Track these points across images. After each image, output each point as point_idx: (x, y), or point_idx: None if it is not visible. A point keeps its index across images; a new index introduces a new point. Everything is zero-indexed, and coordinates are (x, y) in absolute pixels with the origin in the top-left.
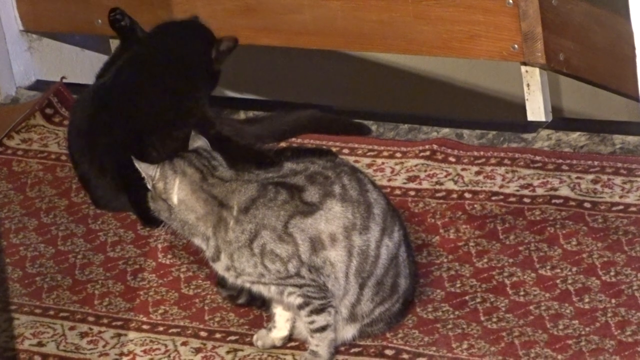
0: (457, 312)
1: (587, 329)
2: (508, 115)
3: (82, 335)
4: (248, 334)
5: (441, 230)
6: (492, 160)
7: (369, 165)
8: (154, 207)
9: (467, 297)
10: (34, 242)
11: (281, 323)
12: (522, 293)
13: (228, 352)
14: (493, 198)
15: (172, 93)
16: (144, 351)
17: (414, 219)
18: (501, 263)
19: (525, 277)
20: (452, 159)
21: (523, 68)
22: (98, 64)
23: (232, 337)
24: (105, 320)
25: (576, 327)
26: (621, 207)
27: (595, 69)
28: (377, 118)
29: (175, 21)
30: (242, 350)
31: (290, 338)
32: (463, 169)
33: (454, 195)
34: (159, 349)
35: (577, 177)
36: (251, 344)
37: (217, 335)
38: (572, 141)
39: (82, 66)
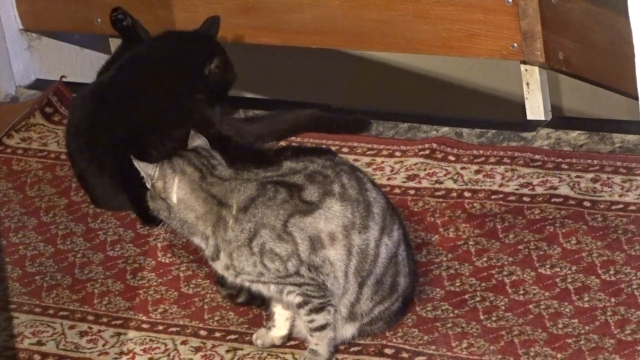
0: (456, 311)
1: (587, 327)
2: (508, 114)
3: (82, 334)
4: (248, 333)
5: (441, 229)
6: (492, 159)
7: (369, 164)
8: (153, 206)
9: (466, 296)
10: (33, 241)
11: (281, 322)
12: (521, 292)
13: (228, 351)
14: (492, 197)
15: (172, 93)
16: (144, 350)
17: (413, 217)
18: (501, 262)
19: (524, 276)
20: (451, 158)
21: (522, 67)
22: (98, 63)
23: (232, 336)
24: (104, 319)
25: (576, 325)
26: (620, 205)
27: (595, 68)
28: (377, 117)
29: (182, 31)
30: (241, 349)
31: (289, 337)
32: (462, 168)
33: (454, 194)
34: (158, 348)
35: (577, 176)
36: (251, 342)
37: (217, 334)
38: (571, 140)
39: (82, 65)
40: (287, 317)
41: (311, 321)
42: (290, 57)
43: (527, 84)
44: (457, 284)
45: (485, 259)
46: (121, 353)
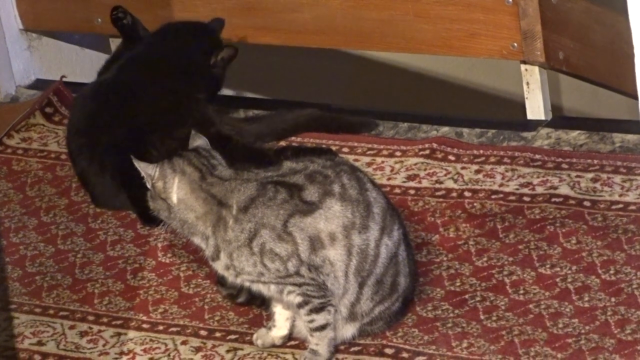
0: (456, 311)
1: (587, 327)
2: (508, 114)
3: (82, 334)
4: (248, 332)
5: (441, 229)
6: (492, 159)
7: (369, 164)
8: (153, 206)
9: (466, 296)
10: (33, 241)
11: (281, 322)
12: (521, 292)
13: (228, 351)
14: (493, 197)
15: (172, 93)
16: (144, 350)
17: (413, 217)
18: (501, 262)
19: (524, 275)
20: (451, 158)
21: (523, 66)
22: (98, 62)
23: (232, 336)
24: (105, 319)
25: (576, 325)
26: (621, 205)
27: (595, 68)
28: (377, 116)
29: (181, 22)
30: (241, 349)
31: (290, 337)
32: (463, 168)
33: (454, 194)
34: (158, 348)
35: (577, 176)
36: (251, 342)
37: (217, 334)
38: (571, 140)
39: (82, 65)
40: (287, 317)
41: (311, 321)
42: (290, 57)
43: (527, 83)
44: (458, 284)
45: (485, 259)
46: (121, 353)
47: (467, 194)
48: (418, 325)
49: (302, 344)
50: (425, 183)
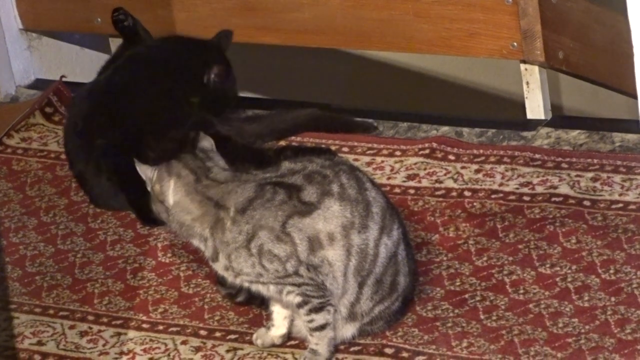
0: (456, 311)
1: (587, 327)
2: (507, 114)
3: (82, 334)
4: (248, 332)
5: (441, 229)
6: (492, 159)
7: (369, 164)
8: (154, 208)
9: (466, 296)
10: (33, 241)
11: (279, 321)
12: (521, 291)
13: (228, 351)
14: (493, 196)
15: (167, 94)
16: (144, 350)
17: (413, 217)
18: (501, 261)
19: (524, 275)
20: (451, 157)
21: (522, 66)
22: (98, 62)
23: (232, 336)
24: (105, 319)
25: (576, 325)
26: (620, 205)
27: (595, 67)
28: (377, 116)
29: (184, 36)
30: (241, 349)
31: (289, 336)
32: (462, 167)
33: (454, 194)
34: (158, 348)
35: (577, 175)
36: (251, 342)
37: (217, 334)
38: (571, 139)
39: (82, 65)
40: (285, 315)
41: (311, 321)
42: (290, 56)
43: (527, 83)
44: (457, 284)
45: (485, 259)
46: (121, 353)
47: (467, 193)
48: (418, 324)
49: (302, 344)
50: (425, 182)
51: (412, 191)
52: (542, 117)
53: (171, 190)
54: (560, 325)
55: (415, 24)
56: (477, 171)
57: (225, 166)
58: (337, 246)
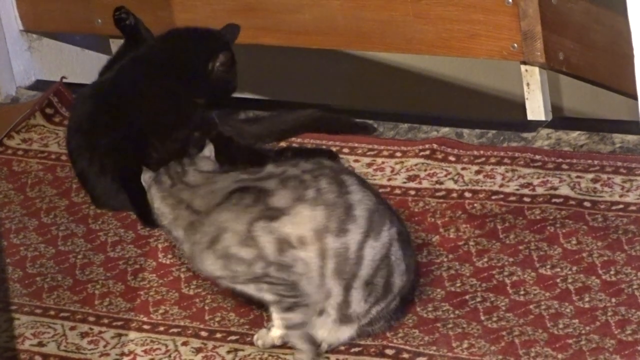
0: (457, 312)
1: (587, 328)
2: (508, 115)
3: (83, 335)
4: (249, 333)
5: (441, 230)
6: (492, 160)
7: (369, 165)
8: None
9: (467, 297)
10: (34, 242)
11: (278, 321)
12: (522, 292)
13: (229, 352)
14: (493, 197)
15: (171, 95)
16: (145, 351)
17: (413, 218)
18: (501, 262)
19: (525, 276)
20: (452, 158)
21: (523, 67)
22: (98, 63)
23: (233, 337)
24: (105, 320)
25: (576, 326)
26: (621, 206)
27: (595, 68)
28: (377, 117)
29: (188, 28)
30: (242, 350)
31: None
32: (463, 168)
33: (454, 195)
34: (159, 349)
35: (577, 176)
36: (252, 343)
37: (218, 335)
38: (572, 140)
39: (82, 66)
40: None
41: (284, 319)
42: (290, 57)
43: (528, 84)
44: (458, 285)
45: (485, 260)
46: (122, 354)
47: (467, 194)
48: (418, 326)
49: None
50: (425, 184)
51: (412, 192)
52: (543, 118)
53: (153, 196)
54: (561, 326)
55: (415, 25)
56: (478, 172)
57: (208, 168)
58: (309, 249)
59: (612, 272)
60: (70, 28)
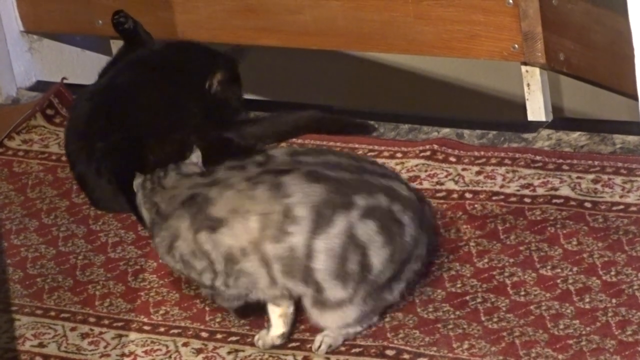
0: (457, 312)
1: (588, 328)
2: (508, 115)
3: (83, 336)
4: (249, 334)
5: (442, 230)
6: (493, 160)
7: None
8: None
9: (467, 297)
10: (34, 243)
11: (274, 320)
12: (522, 293)
13: (229, 353)
14: (494, 198)
15: (169, 100)
16: (145, 352)
17: None
18: (502, 263)
19: (525, 277)
20: (452, 159)
21: (523, 68)
22: (99, 64)
23: (233, 338)
24: (106, 321)
25: (577, 326)
26: (621, 206)
27: (596, 69)
28: (378, 118)
29: (193, 42)
30: (243, 350)
31: (290, 337)
32: (464, 169)
33: (455, 195)
34: (160, 350)
35: (578, 177)
36: (252, 344)
37: (218, 336)
38: (572, 141)
39: (83, 67)
40: (279, 314)
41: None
42: (291, 58)
43: (528, 85)
44: (458, 285)
45: (486, 260)
46: (122, 355)
47: (468, 195)
48: (419, 326)
49: (303, 345)
50: (426, 184)
51: None
52: (543, 118)
53: (139, 203)
54: (561, 326)
55: (416, 26)
56: (478, 173)
57: (188, 172)
58: (251, 259)
59: (612, 273)
60: (70, 29)
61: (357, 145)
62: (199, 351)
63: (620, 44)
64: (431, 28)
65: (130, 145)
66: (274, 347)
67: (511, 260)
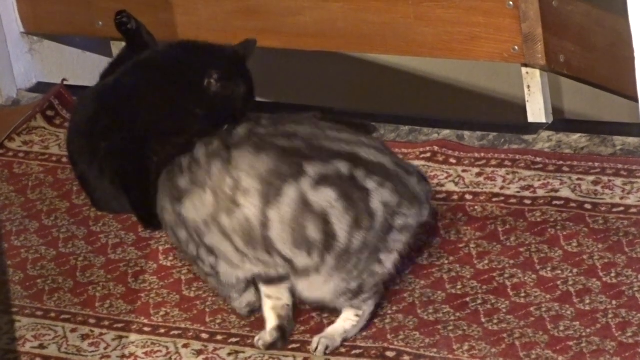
0: (458, 314)
1: (588, 330)
2: (509, 117)
3: (84, 337)
4: (249, 335)
5: (442, 232)
6: (493, 162)
7: None
8: None
9: (468, 299)
10: (35, 245)
11: (267, 313)
12: (522, 294)
13: (229, 354)
14: (494, 199)
15: (171, 101)
16: (145, 353)
17: None
18: (502, 264)
19: (526, 278)
20: (453, 161)
21: (524, 69)
22: (99, 66)
23: (234, 339)
24: (106, 323)
25: (577, 328)
26: (622, 208)
27: (596, 70)
28: (378, 120)
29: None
30: (243, 352)
31: (290, 338)
32: (464, 171)
33: (455, 197)
34: (160, 351)
35: (578, 179)
36: (253, 345)
37: (219, 337)
38: (572, 142)
39: (83, 68)
40: (271, 306)
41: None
42: (291, 60)
43: (528, 86)
44: (459, 287)
45: (486, 262)
46: (123, 356)
47: (468, 196)
48: (419, 328)
49: (303, 347)
50: None
51: None
52: (543, 120)
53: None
54: (562, 328)
55: (416, 28)
56: (479, 174)
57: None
58: (213, 231)
59: (612, 275)
60: (71, 30)
61: None
62: (199, 352)
63: (621, 46)
64: (431, 30)
65: (134, 145)
66: (273, 344)
67: (511, 261)
